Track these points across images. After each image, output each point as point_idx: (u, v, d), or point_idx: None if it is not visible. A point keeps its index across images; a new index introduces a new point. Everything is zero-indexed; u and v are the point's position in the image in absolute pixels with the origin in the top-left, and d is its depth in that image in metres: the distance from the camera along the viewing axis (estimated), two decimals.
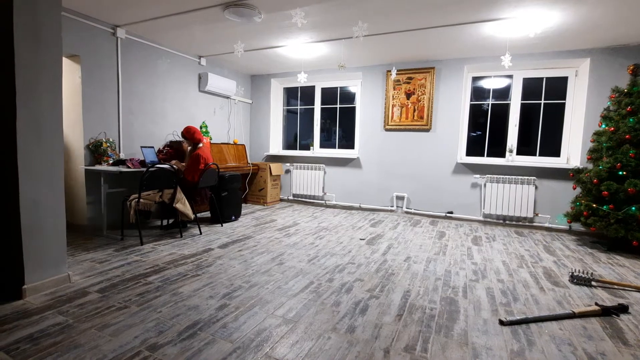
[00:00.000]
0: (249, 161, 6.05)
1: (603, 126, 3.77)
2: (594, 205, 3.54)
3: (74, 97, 3.71)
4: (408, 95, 5.13)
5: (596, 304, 2.22)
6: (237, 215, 4.62)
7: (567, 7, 3.04)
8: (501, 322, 1.99)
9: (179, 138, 4.79)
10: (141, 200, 3.37)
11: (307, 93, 6.20)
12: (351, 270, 2.80)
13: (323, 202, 5.87)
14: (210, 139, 5.28)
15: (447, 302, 2.26)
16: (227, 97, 5.84)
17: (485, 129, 4.92)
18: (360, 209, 5.58)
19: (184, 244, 3.37)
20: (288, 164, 6.13)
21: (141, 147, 4.15)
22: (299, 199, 6.07)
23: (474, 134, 5.06)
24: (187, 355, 1.58)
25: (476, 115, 5.04)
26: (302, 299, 2.21)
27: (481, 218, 4.83)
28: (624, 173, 3.39)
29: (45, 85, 2.19)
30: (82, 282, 2.38)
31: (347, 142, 5.93)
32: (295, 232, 3.96)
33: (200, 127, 5.25)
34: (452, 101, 4.90)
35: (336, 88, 5.90)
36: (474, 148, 5.03)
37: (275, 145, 6.47)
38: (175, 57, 4.82)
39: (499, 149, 4.86)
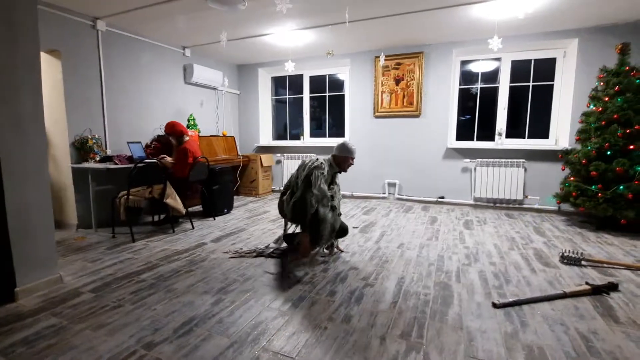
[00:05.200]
0: (239, 153, 5.99)
1: (591, 107, 3.79)
2: (583, 185, 3.59)
3: (56, 94, 3.60)
4: (397, 81, 5.09)
5: (587, 283, 2.26)
6: (230, 208, 4.59)
7: None
8: (494, 305, 2.03)
9: None
10: (130, 197, 3.32)
11: (295, 82, 6.11)
12: (345, 259, 2.81)
13: None
14: (199, 132, 5.19)
15: (441, 287, 2.29)
16: (214, 89, 5.73)
17: (475, 113, 4.92)
18: (352, 197, 5.58)
19: (176, 240, 3.34)
20: (279, 155, 6.08)
21: (128, 142, 4.06)
22: None
23: (463, 118, 5.06)
24: (183, 352, 1.57)
25: (465, 100, 5.03)
26: (298, 290, 2.21)
27: (472, 202, 4.87)
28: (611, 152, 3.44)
29: (24, 84, 2.11)
30: (75, 283, 2.35)
31: (338, 130, 5.89)
32: None
33: (188, 120, 5.15)
34: (441, 86, 4.87)
35: (325, 76, 5.82)
36: (463, 132, 5.04)
37: (265, 136, 6.40)
38: (158, 49, 4.68)
39: (488, 133, 4.88)
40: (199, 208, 4.69)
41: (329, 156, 2.83)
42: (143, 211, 4.05)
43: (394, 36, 4.52)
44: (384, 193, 5.38)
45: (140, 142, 4.22)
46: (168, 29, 4.23)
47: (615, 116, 3.46)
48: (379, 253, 2.94)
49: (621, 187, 3.34)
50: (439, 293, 2.19)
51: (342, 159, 2.77)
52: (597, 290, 2.18)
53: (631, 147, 3.37)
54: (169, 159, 3.82)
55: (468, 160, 4.81)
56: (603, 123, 3.54)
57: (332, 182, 2.80)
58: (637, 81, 3.47)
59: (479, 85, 4.90)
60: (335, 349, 1.60)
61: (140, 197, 3.41)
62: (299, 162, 5.75)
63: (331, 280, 2.39)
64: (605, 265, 2.66)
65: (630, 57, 3.61)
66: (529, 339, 1.70)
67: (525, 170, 4.52)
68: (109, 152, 4.01)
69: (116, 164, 3.62)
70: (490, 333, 1.75)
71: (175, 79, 5.02)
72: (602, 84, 3.72)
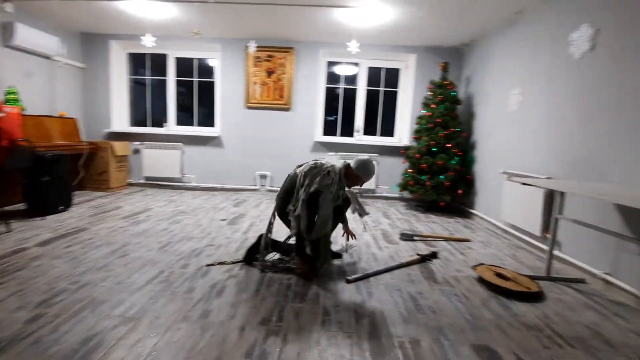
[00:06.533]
0: (83, 139, 5.00)
1: (424, 111, 4.61)
2: (417, 175, 4.36)
3: None
4: (269, 73, 5.11)
5: (417, 254, 2.75)
6: (68, 204, 3.78)
7: (399, 5, 3.51)
8: (347, 281, 2.25)
9: None
10: None
11: (158, 62, 5.45)
12: (209, 252, 2.67)
13: (182, 184, 5.40)
14: (23, 109, 4.09)
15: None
16: (47, 57, 4.60)
17: (338, 111, 5.38)
18: (223, 189, 5.37)
19: None
20: (137, 143, 5.35)
21: None
22: (153, 182, 5.41)
23: (331, 118, 5.47)
24: None
25: (331, 98, 5.44)
26: (148, 292, 1.98)
27: None
28: (436, 149, 4.28)
29: None
30: None
31: (208, 119, 5.55)
32: (145, 219, 3.52)
33: (7, 94, 4.00)
34: (309, 83, 5.13)
35: (193, 59, 5.39)
36: (329, 128, 5.45)
37: (120, 120, 5.52)
38: None
39: (349, 129, 5.41)
40: (23, 206, 3.70)
41: (341, 165, 2.38)
42: None
43: (266, 28, 4.50)
44: (256, 185, 5.36)
45: None
46: None
47: (438, 120, 4.30)
48: (246, 244, 2.89)
49: (441, 176, 4.19)
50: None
51: (355, 177, 2.35)
52: (423, 259, 2.67)
53: (448, 145, 4.25)
54: None
55: (333, 153, 5.22)
56: (431, 125, 4.35)
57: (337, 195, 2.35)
58: (452, 93, 4.40)
59: (342, 85, 5.36)
60: (188, 348, 1.49)
61: None
62: (163, 151, 5.22)
63: (190, 276, 2.23)
64: (429, 238, 3.29)
65: (449, 73, 4.55)
66: (373, 305, 1.95)
67: (378, 163, 5.19)
68: None
69: None
70: (343, 306, 1.93)
71: None
72: (430, 93, 4.56)
